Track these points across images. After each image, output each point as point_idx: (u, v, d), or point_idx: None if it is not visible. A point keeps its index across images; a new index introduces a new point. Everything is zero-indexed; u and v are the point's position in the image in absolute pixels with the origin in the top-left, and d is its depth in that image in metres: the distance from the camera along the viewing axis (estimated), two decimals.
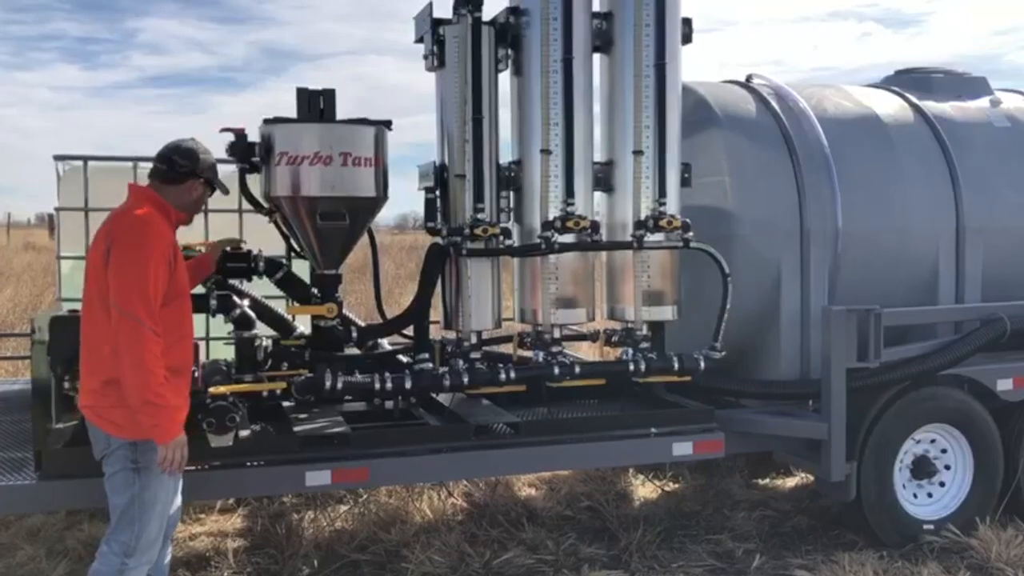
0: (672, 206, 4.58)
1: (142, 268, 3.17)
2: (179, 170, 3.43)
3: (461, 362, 4.48)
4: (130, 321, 3.13)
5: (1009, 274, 5.23)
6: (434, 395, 4.69)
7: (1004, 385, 4.98)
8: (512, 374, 4.42)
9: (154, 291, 3.18)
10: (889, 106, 5.43)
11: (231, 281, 4.39)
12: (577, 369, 4.47)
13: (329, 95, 4.24)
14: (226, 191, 3.75)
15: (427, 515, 5.27)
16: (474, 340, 4.56)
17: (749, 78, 5.58)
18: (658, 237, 4.54)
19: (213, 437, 3.83)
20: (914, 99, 5.51)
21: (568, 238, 4.43)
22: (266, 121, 4.21)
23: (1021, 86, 6.03)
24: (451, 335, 4.70)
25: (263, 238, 4.69)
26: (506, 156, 4.69)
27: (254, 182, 4.39)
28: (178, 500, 3.55)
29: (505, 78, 4.70)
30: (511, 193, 4.67)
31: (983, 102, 5.69)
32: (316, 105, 4.23)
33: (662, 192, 4.53)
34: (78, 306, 5.14)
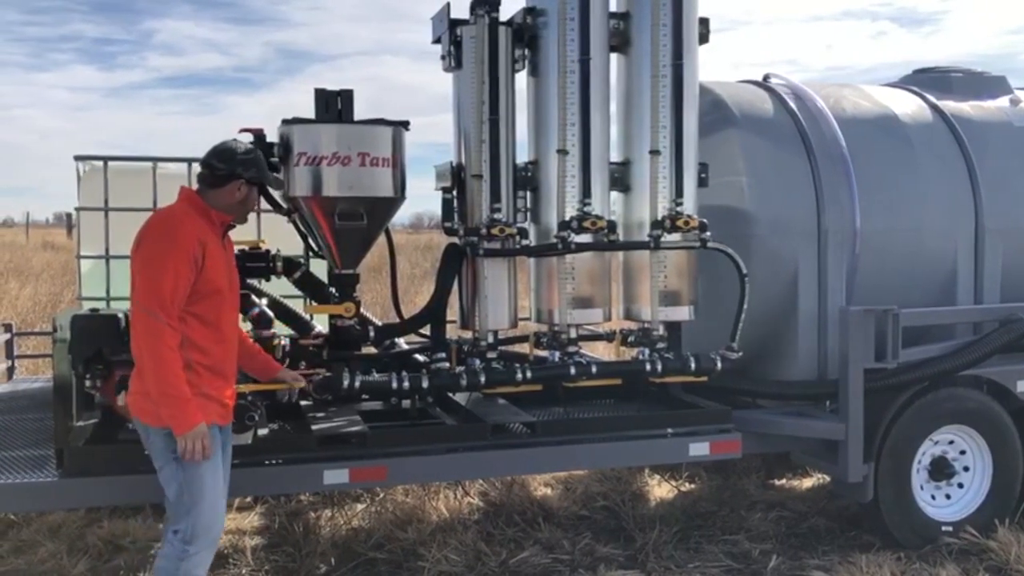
0: (689, 206, 4.57)
1: (160, 264, 3.21)
2: (217, 173, 3.45)
3: (478, 362, 4.50)
4: (145, 315, 3.19)
5: None
6: (451, 394, 4.71)
7: None
8: (528, 374, 4.43)
9: (172, 286, 3.21)
10: (907, 106, 5.40)
11: (250, 280, 4.42)
12: (593, 369, 4.48)
13: (347, 96, 4.26)
14: (280, 185, 3.73)
15: (443, 514, 5.29)
16: (490, 340, 4.57)
17: (766, 78, 5.57)
18: (675, 237, 4.53)
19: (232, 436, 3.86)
20: (933, 99, 5.48)
21: (585, 238, 4.43)
22: (285, 121, 4.23)
23: None
24: (468, 335, 4.71)
25: (282, 238, 4.72)
26: (523, 156, 4.69)
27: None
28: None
29: (522, 78, 4.71)
30: (528, 193, 4.67)
31: (1003, 101, 5.66)
32: (334, 105, 4.25)
33: (679, 192, 4.53)
34: (98, 305, 5.24)
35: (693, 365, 4.55)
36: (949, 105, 5.45)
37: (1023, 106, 5.65)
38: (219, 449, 3.40)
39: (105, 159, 5.60)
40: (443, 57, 4.62)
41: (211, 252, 3.36)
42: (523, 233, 4.51)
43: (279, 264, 4.42)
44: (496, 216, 4.41)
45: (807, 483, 6.03)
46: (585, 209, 4.44)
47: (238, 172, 3.46)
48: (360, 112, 4.28)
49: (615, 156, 4.73)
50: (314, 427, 4.22)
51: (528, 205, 4.69)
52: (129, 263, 3.36)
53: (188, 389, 3.23)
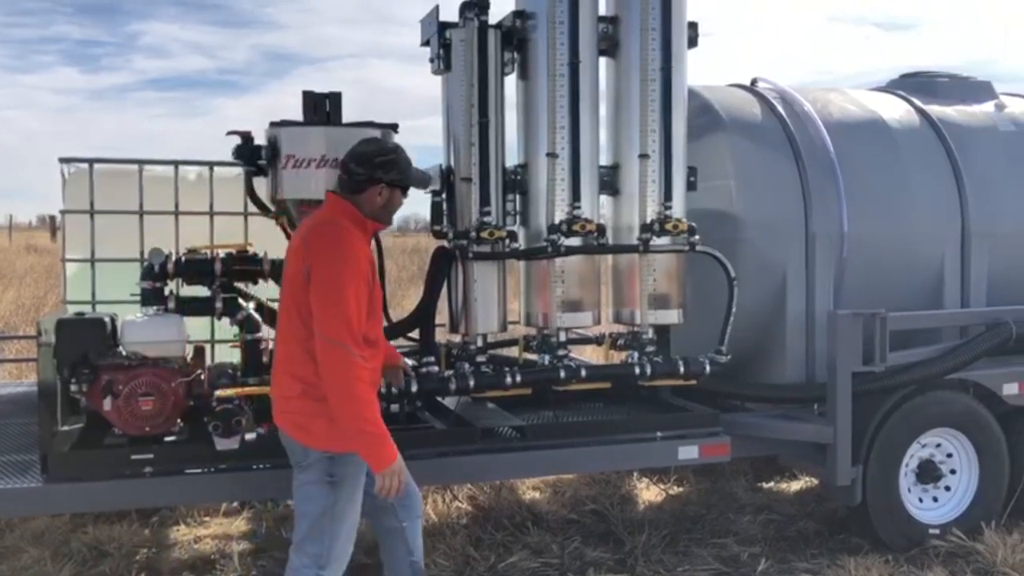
0: (678, 209, 4.58)
1: (342, 293, 3.06)
2: (356, 178, 3.26)
3: (467, 365, 4.48)
4: (337, 350, 3.03)
5: (1015, 278, 5.23)
6: (440, 399, 4.69)
7: (1010, 389, 4.98)
8: (518, 378, 4.41)
9: (356, 314, 3.08)
10: (894, 110, 5.43)
11: (237, 284, 4.39)
12: (583, 373, 4.47)
13: (335, 98, 4.24)
14: (426, 183, 3.67)
15: (432, 519, 5.27)
16: (480, 343, 4.56)
17: (754, 82, 5.58)
18: (664, 240, 4.54)
19: (219, 440, 3.84)
20: (919, 103, 5.51)
21: (574, 241, 4.42)
22: (272, 124, 4.21)
23: (1018, 89, 6.03)
24: (457, 338, 4.70)
25: (269, 241, 4.69)
26: (512, 159, 4.69)
27: (260, 185, 4.39)
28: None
29: (511, 81, 4.70)
30: (517, 196, 4.67)
31: (988, 106, 5.70)
32: (322, 108, 4.23)
33: (668, 195, 4.53)
34: (84, 309, 5.19)
35: (682, 369, 4.55)
36: (935, 109, 5.48)
37: (1008, 111, 5.69)
38: (363, 475, 3.28)
39: (90, 161, 5.55)
40: (432, 60, 4.61)
41: (373, 269, 3.25)
42: (513, 236, 4.51)
43: (267, 267, 4.37)
44: (486, 219, 4.40)
45: (795, 486, 6.04)
46: (575, 212, 4.43)
47: (377, 176, 3.26)
48: (348, 115, 4.26)
49: (604, 159, 4.73)
50: None
51: (518, 208, 4.69)
52: (285, 272, 3.28)
53: (383, 425, 3.10)
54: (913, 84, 5.83)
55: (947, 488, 5.00)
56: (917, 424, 4.89)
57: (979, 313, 5.13)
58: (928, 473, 4.93)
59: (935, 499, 5.00)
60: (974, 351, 4.89)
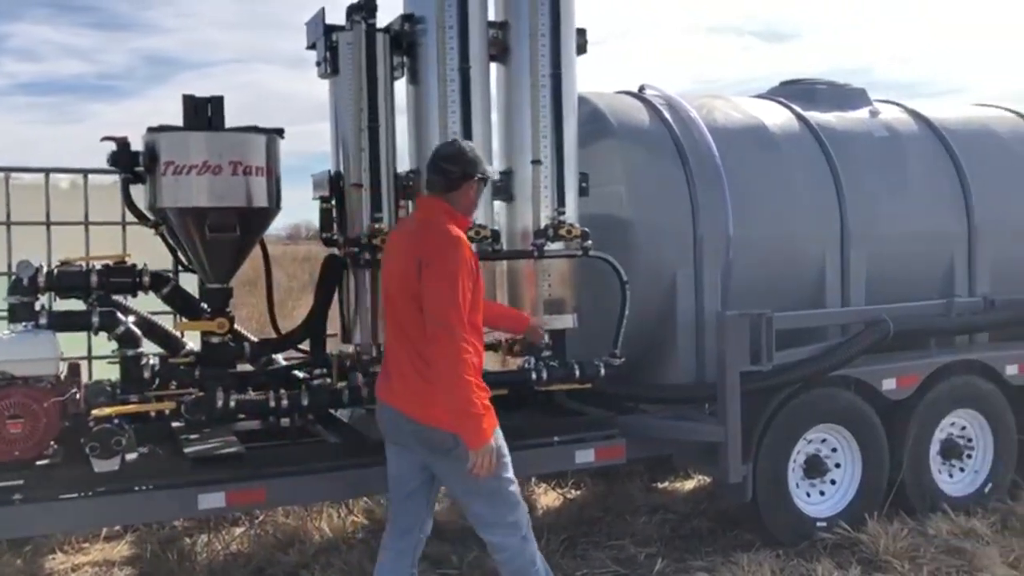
0: (571, 215, 4.60)
1: (454, 281, 3.29)
2: (451, 176, 3.47)
3: (360, 376, 4.38)
4: (446, 333, 3.26)
5: (891, 278, 5.44)
6: (333, 411, 4.57)
7: (889, 384, 5.18)
8: None
9: (464, 303, 3.31)
10: (776, 116, 5.60)
11: (115, 297, 4.19)
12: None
13: (217, 102, 4.10)
14: (495, 176, 3.85)
15: (327, 534, 5.14)
16: (374, 353, 4.47)
17: (642, 88, 5.66)
18: (558, 246, 4.55)
19: (97, 461, 3.65)
20: (799, 109, 5.69)
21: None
22: (150, 129, 4.03)
23: (888, 98, 6.30)
24: (349, 348, 4.59)
25: (148, 251, 4.50)
26: (404, 165, 4.62)
27: (138, 193, 4.20)
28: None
29: (401, 86, 4.63)
30: (410, 202, 4.60)
31: (863, 113, 5.93)
32: (204, 112, 4.08)
33: (561, 201, 4.54)
34: None
35: (577, 372, 4.56)
36: (814, 116, 5.67)
37: (882, 117, 5.93)
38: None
39: None
40: (319, 63, 4.51)
41: (476, 259, 3.45)
42: None
43: (146, 279, 4.21)
44: (378, 226, 4.32)
45: (689, 485, 6.16)
46: None
47: (470, 172, 3.50)
48: (236, 120, 4.13)
49: (497, 165, 4.71)
50: (187, 449, 4.02)
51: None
52: (392, 273, 3.45)
53: (486, 406, 3.34)
54: (793, 91, 6.02)
55: (833, 482, 5.17)
56: (803, 420, 5.04)
57: (859, 311, 5.32)
58: (815, 468, 5.08)
59: (822, 493, 5.16)
60: (855, 348, 5.06)
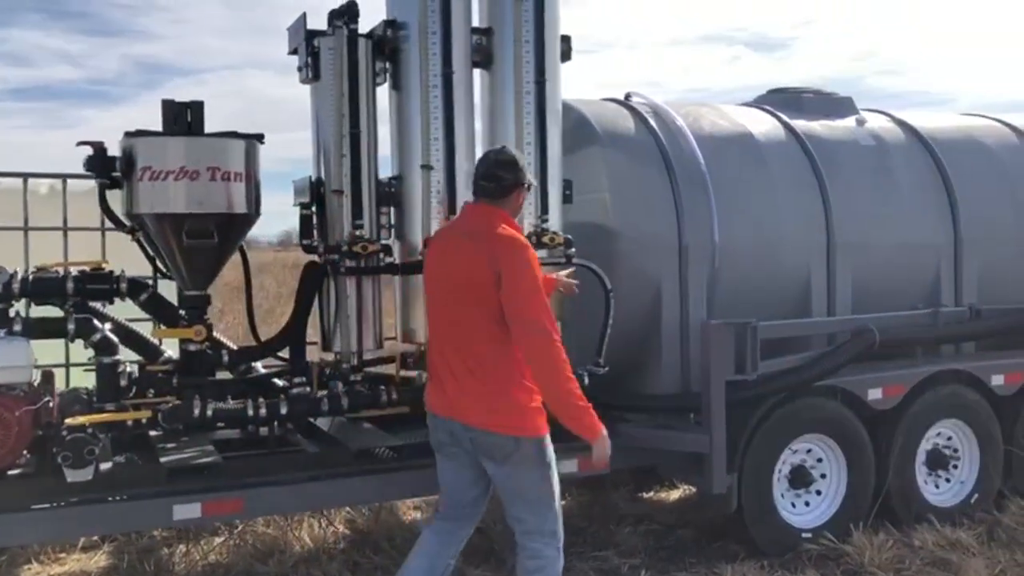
0: (554, 223, 4.56)
1: (536, 284, 3.38)
2: (505, 183, 3.48)
3: (340, 384, 4.34)
4: (543, 336, 3.32)
5: (876, 287, 5.42)
6: (313, 420, 4.52)
7: (875, 394, 5.14)
8: (394, 396, 4.30)
9: (547, 305, 3.40)
10: (762, 124, 5.57)
11: (92, 303, 4.13)
12: None
13: (197, 107, 4.06)
14: (536, 183, 3.88)
15: (307, 544, 5.07)
16: (354, 362, 4.42)
17: (628, 96, 5.63)
18: (542, 254, 4.50)
19: (70, 471, 3.59)
20: (785, 118, 5.66)
21: None
22: (127, 134, 3.99)
23: (879, 107, 6.29)
24: (330, 357, 4.54)
25: (126, 257, 4.44)
26: (385, 171, 4.58)
27: (115, 199, 4.15)
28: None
29: (383, 92, 4.59)
30: (392, 209, 4.56)
31: (849, 121, 5.91)
32: (183, 118, 4.04)
33: (544, 209, 4.51)
34: None
35: None
36: (801, 124, 5.65)
37: (868, 126, 5.91)
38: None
39: None
40: (300, 69, 4.47)
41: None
42: (387, 250, 4.40)
43: (124, 286, 4.16)
44: (359, 233, 4.28)
45: (674, 495, 6.11)
46: None
47: (521, 179, 3.53)
48: (228, 126, 4.09)
49: None
50: (163, 459, 3.97)
51: (392, 221, 4.58)
52: (460, 283, 3.42)
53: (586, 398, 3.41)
54: (780, 99, 5.99)
55: (818, 492, 5.13)
56: (789, 430, 5.00)
57: (845, 321, 5.29)
58: (800, 478, 5.04)
59: (807, 503, 5.12)
60: (841, 358, 5.03)
